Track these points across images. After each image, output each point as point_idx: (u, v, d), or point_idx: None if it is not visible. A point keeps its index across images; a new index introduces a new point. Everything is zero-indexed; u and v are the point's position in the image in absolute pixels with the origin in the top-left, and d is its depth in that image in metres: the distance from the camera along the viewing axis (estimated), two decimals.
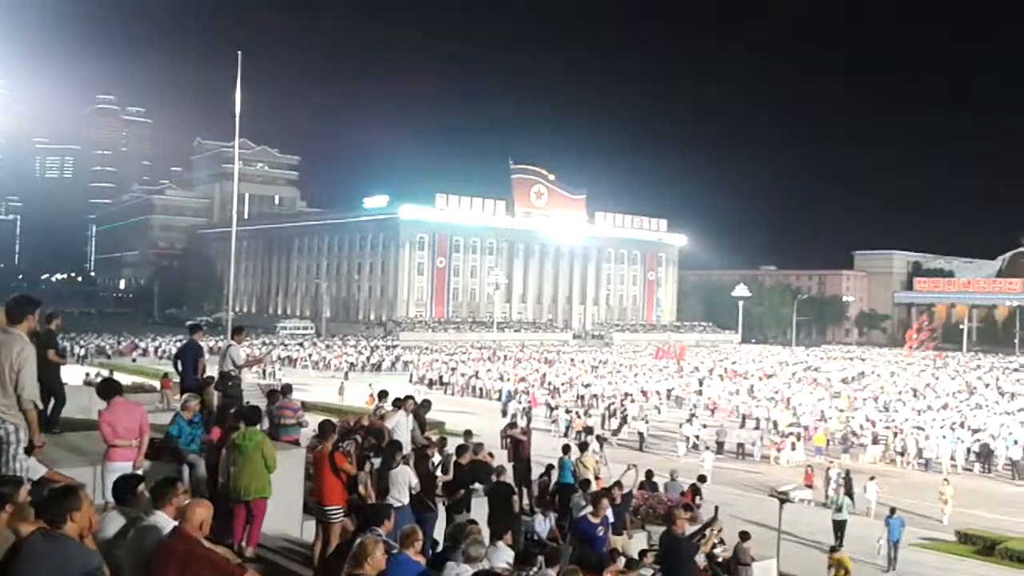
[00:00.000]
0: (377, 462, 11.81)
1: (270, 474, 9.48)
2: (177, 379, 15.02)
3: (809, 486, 25.74)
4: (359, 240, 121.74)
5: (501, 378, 54.65)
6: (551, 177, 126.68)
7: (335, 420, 13.71)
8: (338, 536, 9.57)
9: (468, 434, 15.96)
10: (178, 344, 20.93)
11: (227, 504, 9.20)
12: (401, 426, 12.97)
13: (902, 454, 34.64)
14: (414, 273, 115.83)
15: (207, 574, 5.33)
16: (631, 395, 48.23)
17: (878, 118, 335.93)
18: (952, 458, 34.06)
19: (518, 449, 16.61)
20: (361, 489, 10.82)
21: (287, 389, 13.91)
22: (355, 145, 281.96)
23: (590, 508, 10.84)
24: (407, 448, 12.20)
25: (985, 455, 34.63)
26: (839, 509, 22.47)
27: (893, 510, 21.44)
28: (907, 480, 30.98)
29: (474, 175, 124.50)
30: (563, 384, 53.35)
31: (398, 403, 13.28)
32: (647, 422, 38.33)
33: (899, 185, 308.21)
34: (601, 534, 10.41)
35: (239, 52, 28.51)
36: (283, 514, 10.89)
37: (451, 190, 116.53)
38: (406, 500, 10.38)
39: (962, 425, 39.88)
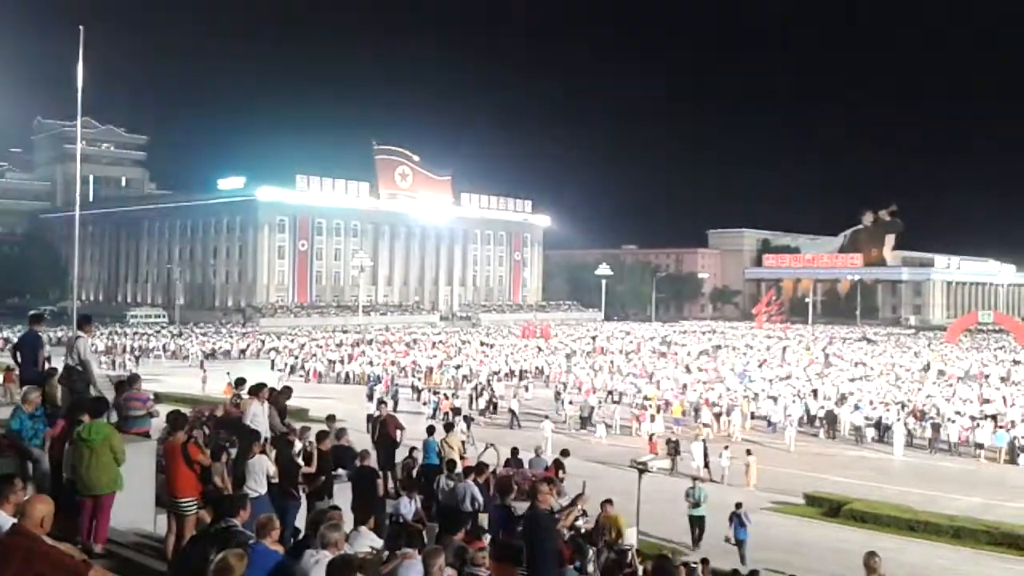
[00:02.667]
0: (234, 452, 11.51)
1: (119, 467, 9.14)
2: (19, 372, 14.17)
3: (654, 454, 26.57)
4: (214, 223, 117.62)
5: (371, 363, 54.04)
6: (415, 158, 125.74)
7: (187, 411, 13.24)
8: (192, 528, 9.33)
9: (331, 419, 15.68)
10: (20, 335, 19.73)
11: (72, 500, 8.82)
12: (258, 415, 12.63)
13: (708, 421, 36.23)
14: (274, 257, 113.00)
15: (49, 572, 5.08)
16: (502, 374, 49.04)
17: (731, 102, 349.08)
18: (799, 422, 36.32)
19: (384, 432, 16.50)
20: (217, 480, 10.53)
21: (134, 379, 13.30)
22: (208, 124, 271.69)
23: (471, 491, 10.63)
24: (265, 436, 11.91)
25: (830, 421, 36.76)
26: (696, 504, 20.71)
27: (739, 505, 19.83)
28: (759, 445, 32.29)
29: (336, 156, 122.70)
30: (438, 366, 53.05)
31: (254, 391, 12.91)
32: (519, 400, 38.97)
33: (751, 165, 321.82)
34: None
35: (81, 27, 26.99)
36: (134, 508, 10.57)
37: (312, 171, 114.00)
38: (263, 490, 10.16)
39: (814, 393, 42.16)
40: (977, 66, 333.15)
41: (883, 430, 35.09)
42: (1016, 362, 60.46)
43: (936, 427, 34.25)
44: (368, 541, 8.75)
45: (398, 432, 17.33)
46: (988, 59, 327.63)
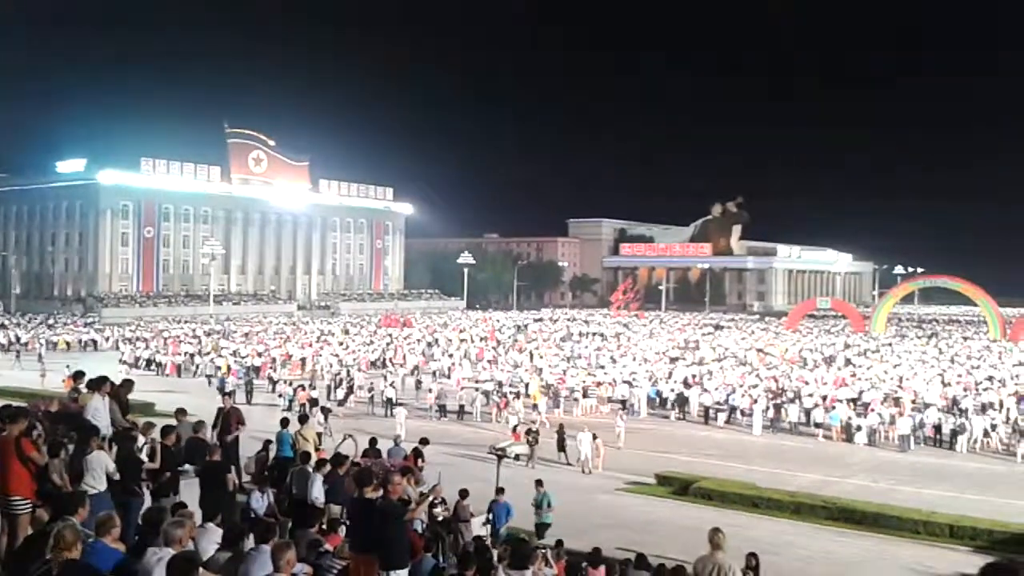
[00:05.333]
0: (72, 448, 10.92)
1: None
2: None
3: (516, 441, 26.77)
4: (52, 208, 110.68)
5: (234, 354, 51.87)
6: (271, 143, 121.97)
7: (24, 405, 12.46)
8: (26, 528, 8.86)
9: (181, 412, 15.08)
10: None
11: None
12: (99, 409, 12.02)
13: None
14: (117, 244, 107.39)
15: None
16: (367, 363, 48.62)
17: (591, 97, 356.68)
18: (651, 405, 38.11)
19: (226, 425, 15.99)
20: (55, 477, 9.99)
21: None
22: (46, 103, 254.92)
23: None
24: (105, 432, 11.35)
25: (681, 403, 38.19)
26: (539, 506, 19.04)
27: (500, 490, 17.59)
28: (616, 429, 33.09)
29: (185, 139, 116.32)
30: (312, 356, 51.48)
31: (94, 385, 12.26)
32: (395, 387, 38.64)
33: (609, 157, 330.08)
34: None
35: None
36: None
37: (159, 154, 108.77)
38: (103, 487, 9.70)
39: (669, 376, 43.71)
40: (817, 68, 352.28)
41: (731, 411, 36.69)
42: (848, 346, 64.27)
43: (778, 407, 36.06)
44: (215, 537, 8.48)
45: (238, 427, 16.80)
46: (824, 60, 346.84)
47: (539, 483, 19.48)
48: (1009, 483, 26.79)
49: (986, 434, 32.21)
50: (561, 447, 28.50)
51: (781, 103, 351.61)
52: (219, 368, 45.62)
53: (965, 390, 40.09)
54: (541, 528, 18.62)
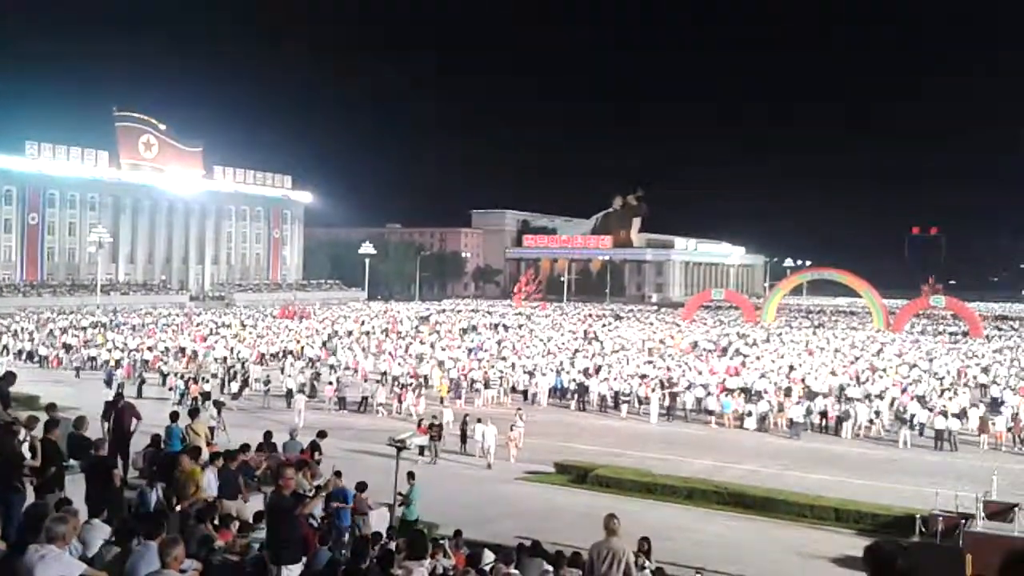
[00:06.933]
0: None
1: None
2: None
3: (418, 433, 26.58)
4: None
5: (123, 347, 49.80)
6: (162, 127, 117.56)
7: None
8: None
9: (52, 407, 14.48)
10: None
11: None
12: None
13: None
14: (0, 231, 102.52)
15: None
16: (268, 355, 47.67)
17: (496, 86, 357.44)
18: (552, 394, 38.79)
19: (119, 421, 15.47)
20: None
21: None
22: None
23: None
24: None
25: (581, 392, 38.73)
26: (407, 503, 17.47)
27: (338, 473, 15.52)
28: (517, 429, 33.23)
29: (72, 122, 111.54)
30: (203, 350, 49.87)
31: None
32: (298, 377, 38.19)
33: (513, 148, 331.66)
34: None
35: None
36: None
37: (44, 137, 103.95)
38: None
39: (572, 366, 44.28)
40: (709, 65, 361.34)
41: (629, 399, 37.36)
42: (740, 336, 66.20)
43: (673, 396, 36.94)
44: (102, 534, 8.20)
45: (134, 421, 16.28)
46: (719, 59, 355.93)
47: (411, 475, 18.13)
48: (892, 468, 28.03)
49: (871, 421, 33.65)
50: (463, 439, 28.54)
51: (684, 102, 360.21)
52: (106, 362, 43.98)
53: (851, 379, 41.82)
54: (406, 525, 16.33)
